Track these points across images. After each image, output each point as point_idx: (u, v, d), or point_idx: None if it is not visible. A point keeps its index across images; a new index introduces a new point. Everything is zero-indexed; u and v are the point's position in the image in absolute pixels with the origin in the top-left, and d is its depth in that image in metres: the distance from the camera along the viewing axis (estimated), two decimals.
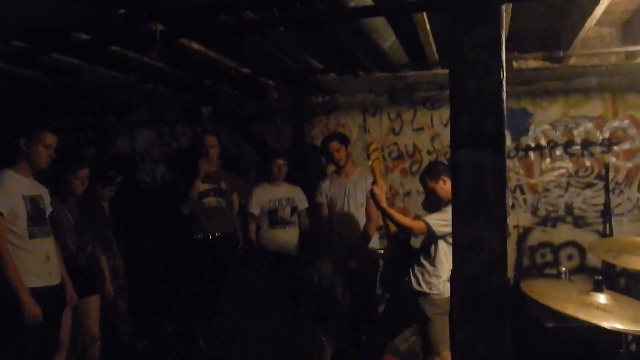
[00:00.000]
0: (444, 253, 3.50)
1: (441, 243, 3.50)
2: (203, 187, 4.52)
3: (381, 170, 3.73)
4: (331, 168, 4.79)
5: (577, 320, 3.12)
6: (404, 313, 3.70)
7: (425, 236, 3.55)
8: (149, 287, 4.98)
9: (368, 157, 3.63)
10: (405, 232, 3.61)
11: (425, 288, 3.53)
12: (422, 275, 3.55)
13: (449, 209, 3.46)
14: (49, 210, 3.42)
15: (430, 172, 3.64)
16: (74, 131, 5.42)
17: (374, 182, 3.55)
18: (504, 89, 1.83)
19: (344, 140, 4.58)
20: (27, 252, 3.20)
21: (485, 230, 1.76)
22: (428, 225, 3.45)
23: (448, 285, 3.37)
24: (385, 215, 3.60)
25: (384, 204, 3.52)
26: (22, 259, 3.15)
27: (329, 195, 4.56)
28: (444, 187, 3.55)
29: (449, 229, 3.39)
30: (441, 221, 3.41)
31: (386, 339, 3.94)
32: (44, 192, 3.42)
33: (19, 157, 3.26)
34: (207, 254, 4.51)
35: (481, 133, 1.80)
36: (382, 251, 4.07)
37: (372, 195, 3.54)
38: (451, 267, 3.34)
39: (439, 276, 3.51)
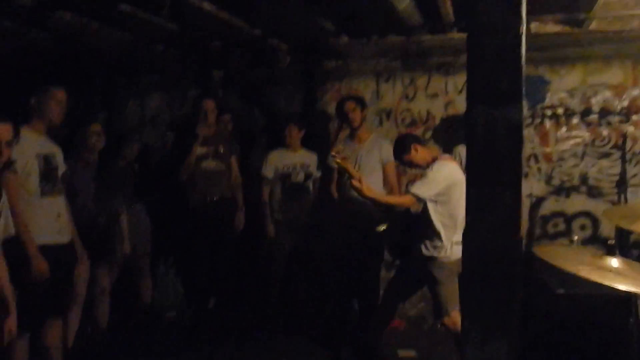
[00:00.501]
0: (437, 215, 3.53)
1: (431, 206, 3.52)
2: (201, 150, 4.49)
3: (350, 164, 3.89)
4: (345, 132, 4.76)
5: (587, 287, 3.11)
6: (414, 277, 3.73)
7: (420, 204, 3.60)
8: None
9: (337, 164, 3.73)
10: (399, 208, 3.76)
11: (433, 252, 3.54)
12: (429, 240, 3.56)
13: (430, 172, 3.54)
14: (61, 169, 3.42)
15: (401, 147, 3.73)
16: (86, 93, 5.40)
17: (350, 177, 3.59)
18: (523, 45, 1.77)
19: (360, 101, 4.55)
20: (39, 209, 3.21)
21: (498, 189, 1.72)
22: (415, 195, 3.51)
23: (456, 247, 3.41)
24: (374, 201, 3.73)
25: (367, 193, 3.59)
26: (33, 215, 3.16)
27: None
28: (418, 154, 3.65)
29: (434, 191, 3.47)
30: (425, 186, 3.50)
31: (397, 302, 3.97)
32: (57, 151, 3.42)
33: (32, 115, 3.26)
34: (204, 219, 4.50)
35: (498, 90, 1.75)
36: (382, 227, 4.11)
37: (354, 188, 3.57)
38: (449, 228, 3.47)
39: (442, 239, 3.52)
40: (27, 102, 3.24)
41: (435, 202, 3.50)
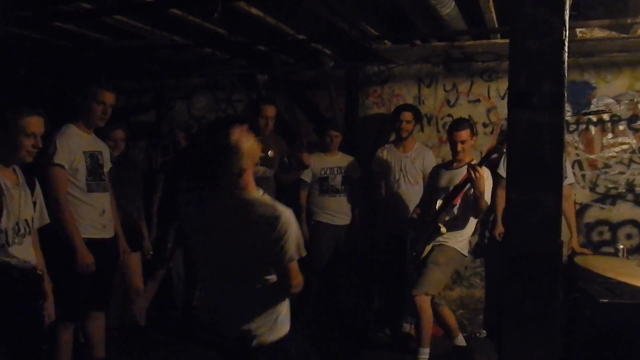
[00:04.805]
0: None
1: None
2: None
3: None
4: (391, 136, 4.81)
5: (631, 295, 3.07)
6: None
7: None
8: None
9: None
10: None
11: (451, 242, 3.84)
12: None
13: (487, 176, 3.65)
14: (107, 166, 3.54)
15: (470, 128, 3.88)
16: (136, 93, 5.60)
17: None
18: (566, 49, 1.79)
19: (418, 115, 4.64)
20: (85, 204, 3.32)
21: (540, 191, 1.73)
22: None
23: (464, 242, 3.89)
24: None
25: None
26: (79, 210, 3.28)
27: (384, 166, 4.58)
28: (470, 146, 3.90)
29: None
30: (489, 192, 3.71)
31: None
32: (104, 149, 3.54)
33: (79, 113, 3.37)
34: None
35: (540, 93, 1.77)
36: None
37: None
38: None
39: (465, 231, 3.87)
40: (75, 100, 3.36)
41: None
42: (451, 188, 3.80)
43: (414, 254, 4.01)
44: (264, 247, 2.03)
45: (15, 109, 2.62)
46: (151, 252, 4.50)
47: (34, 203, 2.80)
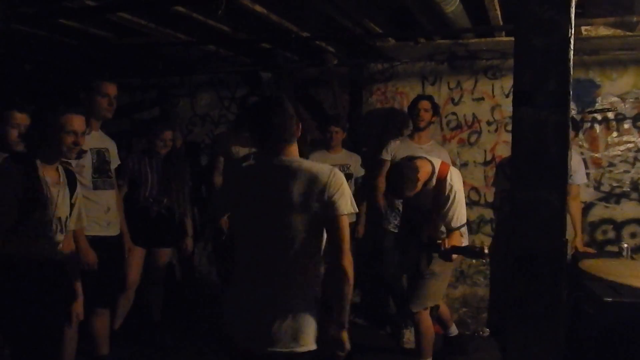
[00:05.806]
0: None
1: None
2: (243, 151, 4.38)
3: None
4: (406, 131, 4.81)
5: (636, 295, 3.06)
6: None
7: None
8: None
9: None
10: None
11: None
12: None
13: (457, 193, 3.30)
14: (114, 163, 3.55)
15: (410, 182, 3.26)
16: (140, 90, 5.61)
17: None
18: (572, 47, 1.78)
19: (436, 108, 4.58)
20: (90, 201, 3.31)
21: (544, 189, 1.73)
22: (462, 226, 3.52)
23: None
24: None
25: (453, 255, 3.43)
26: (84, 207, 3.26)
27: (395, 156, 4.50)
28: (421, 180, 3.31)
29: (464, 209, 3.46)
30: (463, 211, 3.42)
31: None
32: (110, 146, 3.54)
33: (84, 110, 3.35)
34: None
35: (545, 91, 1.76)
36: None
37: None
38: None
39: None
40: (78, 97, 3.36)
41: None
42: (422, 200, 3.47)
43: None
44: (311, 196, 2.04)
45: (55, 107, 2.66)
46: (191, 250, 4.52)
47: (73, 204, 2.82)
